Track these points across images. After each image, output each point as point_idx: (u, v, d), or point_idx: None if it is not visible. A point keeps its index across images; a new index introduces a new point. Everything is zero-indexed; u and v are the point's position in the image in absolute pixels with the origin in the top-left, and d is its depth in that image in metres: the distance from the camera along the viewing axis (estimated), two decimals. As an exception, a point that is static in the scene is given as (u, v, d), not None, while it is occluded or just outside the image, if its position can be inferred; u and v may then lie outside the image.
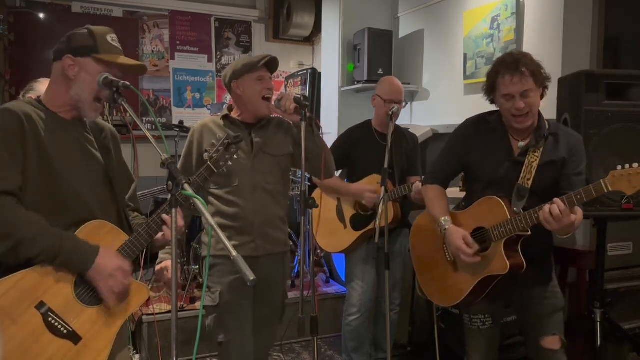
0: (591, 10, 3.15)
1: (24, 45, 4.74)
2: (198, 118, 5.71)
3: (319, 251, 4.06)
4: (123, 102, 1.68)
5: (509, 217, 1.97)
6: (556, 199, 1.87)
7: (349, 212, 3.05)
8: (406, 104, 2.92)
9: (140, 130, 1.73)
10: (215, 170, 1.82)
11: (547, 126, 2.07)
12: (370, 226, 2.93)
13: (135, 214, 1.85)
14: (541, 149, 2.03)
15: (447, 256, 2.21)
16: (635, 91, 2.42)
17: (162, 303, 3.62)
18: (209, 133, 2.27)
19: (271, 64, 2.33)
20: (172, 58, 5.74)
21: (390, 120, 2.75)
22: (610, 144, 2.32)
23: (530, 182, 2.01)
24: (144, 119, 5.45)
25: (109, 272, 1.56)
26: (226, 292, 2.24)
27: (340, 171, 3.33)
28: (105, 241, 1.61)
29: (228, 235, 2.20)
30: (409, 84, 4.47)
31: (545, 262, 2.15)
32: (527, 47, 3.40)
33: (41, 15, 4.89)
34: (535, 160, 2.02)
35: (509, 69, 1.95)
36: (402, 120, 4.55)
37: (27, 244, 1.47)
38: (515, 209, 1.99)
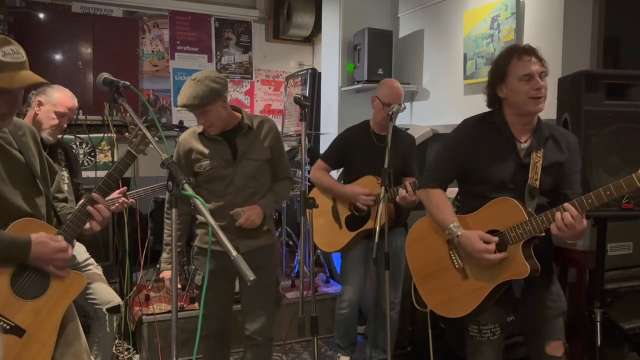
0: (591, 10, 3.15)
1: (24, 45, 4.70)
2: (198, 118, 5.73)
3: (319, 251, 4.07)
4: (123, 102, 1.68)
5: (527, 218, 1.93)
6: (567, 205, 1.84)
7: (344, 212, 3.08)
8: (404, 107, 2.96)
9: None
10: (137, 155, 1.84)
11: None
12: (365, 227, 2.99)
13: (63, 204, 1.88)
14: (542, 150, 2.02)
15: (456, 264, 2.13)
16: (635, 91, 2.41)
17: (162, 303, 3.62)
18: (190, 147, 2.44)
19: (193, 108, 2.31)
20: (172, 58, 5.74)
21: (390, 120, 2.77)
22: (610, 144, 2.31)
23: (537, 183, 1.99)
24: (144, 118, 5.45)
25: (49, 257, 1.62)
26: (208, 276, 2.41)
27: (339, 170, 3.35)
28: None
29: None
30: (409, 84, 4.47)
31: (549, 263, 2.12)
32: (527, 47, 3.41)
33: (41, 15, 4.88)
34: (539, 160, 2.00)
35: (525, 51, 1.98)
36: (402, 120, 4.56)
37: None
38: (529, 209, 1.96)
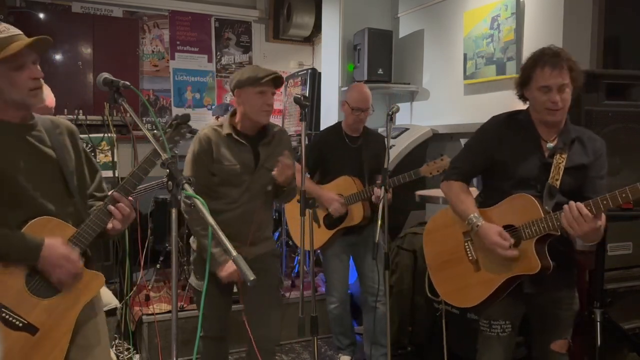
0: (591, 10, 3.15)
1: (24, 45, 4.76)
2: (198, 118, 5.73)
3: (319, 251, 4.07)
4: (123, 102, 1.68)
5: (543, 215, 1.95)
6: (579, 204, 1.85)
7: (321, 212, 3.14)
8: (373, 111, 3.09)
9: (140, 130, 1.73)
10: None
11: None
12: (343, 225, 3.09)
13: (99, 203, 1.84)
14: (567, 152, 2.02)
15: (469, 255, 2.15)
16: (635, 91, 2.41)
17: (162, 303, 3.62)
18: (214, 146, 2.36)
19: (276, 80, 2.36)
20: (172, 58, 5.74)
21: (389, 120, 2.78)
22: (610, 144, 2.30)
23: (558, 183, 2.00)
24: (144, 119, 5.46)
25: (55, 262, 1.60)
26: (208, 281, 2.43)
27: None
28: (51, 236, 1.63)
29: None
30: (409, 84, 4.48)
31: (567, 265, 2.11)
32: (527, 48, 3.40)
33: (41, 15, 4.89)
34: (562, 162, 2.01)
35: (550, 61, 1.96)
36: (402, 120, 4.56)
37: None
38: (546, 207, 1.98)
